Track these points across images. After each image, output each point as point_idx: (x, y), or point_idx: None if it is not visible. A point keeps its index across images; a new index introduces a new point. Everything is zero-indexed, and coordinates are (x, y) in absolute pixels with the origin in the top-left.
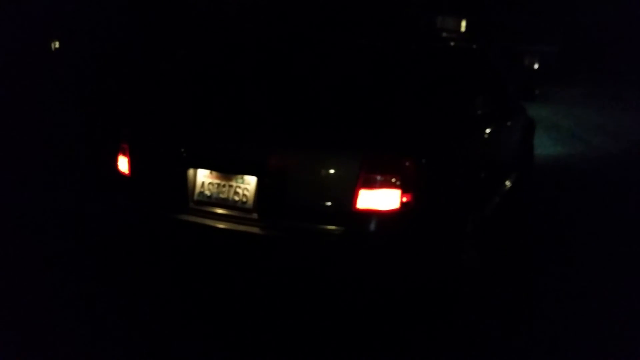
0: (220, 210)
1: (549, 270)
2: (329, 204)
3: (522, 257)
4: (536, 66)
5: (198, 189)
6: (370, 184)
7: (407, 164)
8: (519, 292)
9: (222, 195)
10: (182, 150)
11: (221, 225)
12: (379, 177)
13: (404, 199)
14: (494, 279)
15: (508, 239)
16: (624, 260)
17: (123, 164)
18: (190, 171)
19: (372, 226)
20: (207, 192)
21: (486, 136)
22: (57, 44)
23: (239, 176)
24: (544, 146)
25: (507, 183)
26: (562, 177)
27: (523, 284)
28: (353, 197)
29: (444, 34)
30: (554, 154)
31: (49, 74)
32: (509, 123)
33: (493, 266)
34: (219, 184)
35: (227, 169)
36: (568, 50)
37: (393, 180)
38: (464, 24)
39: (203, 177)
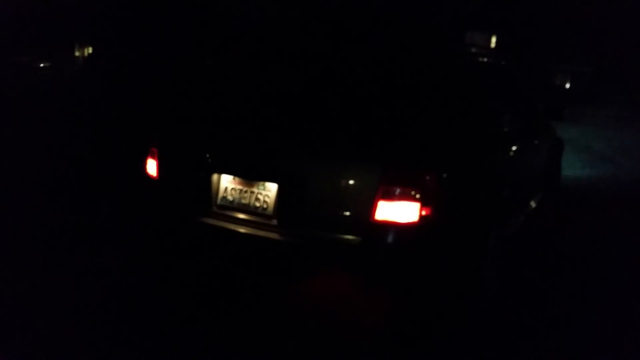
0: (241, 215)
1: (567, 296)
2: (347, 213)
3: (542, 279)
4: (568, 85)
5: (221, 193)
6: (390, 196)
7: (427, 177)
8: (533, 316)
9: (243, 201)
10: (207, 155)
11: (242, 230)
12: (398, 190)
13: (423, 213)
14: (511, 300)
15: (530, 260)
16: None
17: (151, 167)
18: (215, 176)
19: (390, 238)
20: (230, 197)
21: (511, 154)
22: (89, 50)
23: (261, 183)
24: (573, 167)
25: (532, 203)
26: (590, 200)
27: (539, 307)
28: (372, 208)
29: (473, 49)
30: (583, 176)
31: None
32: (536, 142)
33: (512, 287)
34: (241, 190)
35: (250, 176)
36: (602, 71)
37: (412, 193)
38: (494, 40)
39: (226, 182)
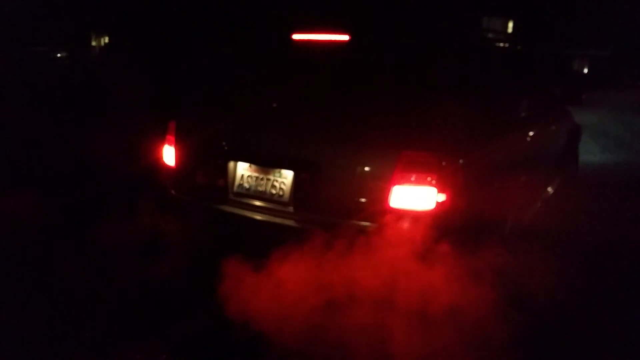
0: (257, 203)
1: (585, 284)
2: (363, 200)
3: (558, 266)
4: (585, 70)
5: (238, 181)
6: (405, 183)
7: (443, 163)
8: (548, 300)
9: (260, 188)
10: (224, 143)
11: (258, 217)
12: (414, 176)
13: (439, 199)
14: (527, 286)
15: (547, 246)
16: None
17: (168, 155)
18: (231, 164)
19: (405, 225)
20: (246, 185)
21: (528, 140)
22: (106, 39)
23: (277, 170)
24: (591, 153)
25: (549, 189)
26: (608, 185)
27: (554, 293)
28: (387, 195)
29: (490, 35)
30: (601, 162)
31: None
32: (553, 127)
33: (528, 272)
34: (257, 177)
35: (266, 163)
36: (620, 55)
37: (429, 179)
38: (511, 25)
39: (243, 170)
